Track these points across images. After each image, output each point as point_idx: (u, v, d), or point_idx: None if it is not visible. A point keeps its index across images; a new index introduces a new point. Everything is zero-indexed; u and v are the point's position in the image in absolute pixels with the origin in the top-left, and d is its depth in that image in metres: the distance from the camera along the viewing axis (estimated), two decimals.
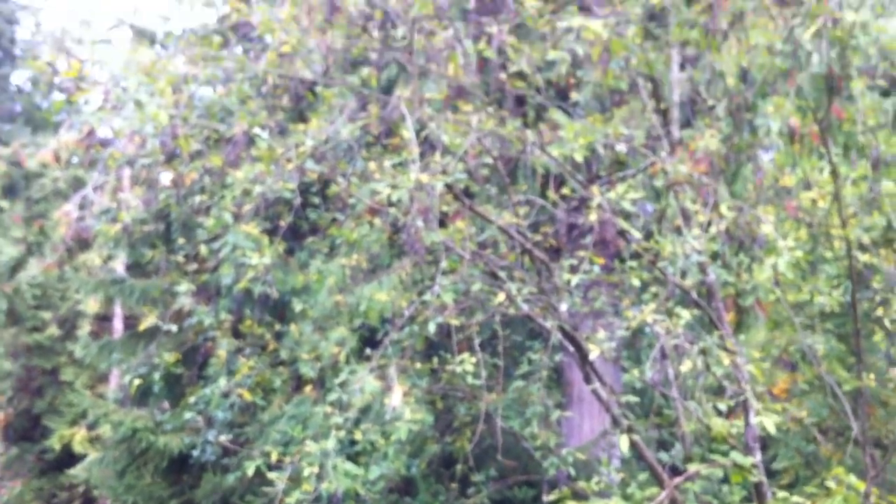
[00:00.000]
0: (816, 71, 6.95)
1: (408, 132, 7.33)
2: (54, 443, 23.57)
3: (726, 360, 7.88)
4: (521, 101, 9.59)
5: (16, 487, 21.45)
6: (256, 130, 7.80)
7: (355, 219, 8.90)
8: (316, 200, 9.15)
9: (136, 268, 14.79)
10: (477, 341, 8.80)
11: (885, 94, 8.49)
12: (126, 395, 14.47)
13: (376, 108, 8.08)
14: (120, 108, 7.56)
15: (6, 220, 24.50)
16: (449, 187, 7.71)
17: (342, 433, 8.33)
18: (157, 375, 11.43)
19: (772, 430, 7.69)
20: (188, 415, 11.05)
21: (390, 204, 7.70)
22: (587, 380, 8.52)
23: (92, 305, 21.62)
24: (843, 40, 6.84)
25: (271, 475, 8.56)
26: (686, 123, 9.66)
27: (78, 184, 20.86)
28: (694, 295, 8.51)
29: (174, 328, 10.75)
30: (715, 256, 8.71)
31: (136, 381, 11.33)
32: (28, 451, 24.31)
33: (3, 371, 22.49)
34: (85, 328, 23.93)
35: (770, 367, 11.17)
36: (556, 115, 8.72)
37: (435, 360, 9.69)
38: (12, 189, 25.65)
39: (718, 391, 8.79)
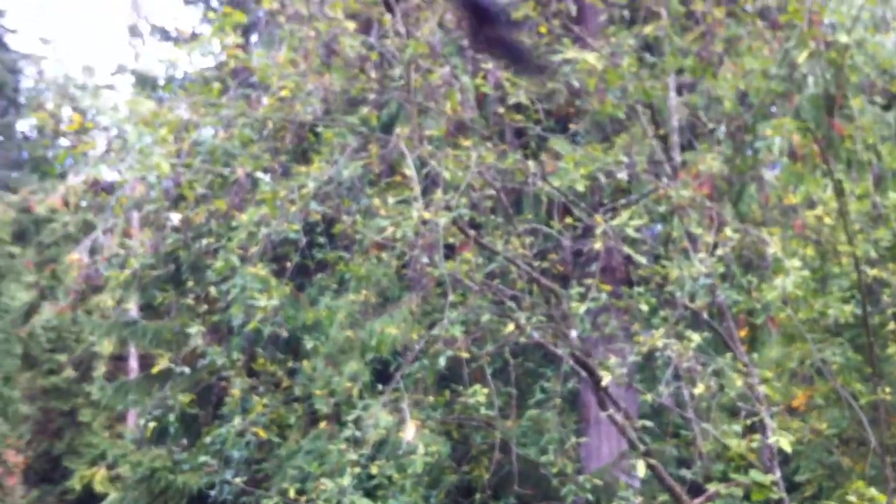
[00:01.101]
0: (813, 92, 6.97)
1: (409, 170, 7.38)
2: (75, 483, 23.66)
3: (739, 382, 7.88)
4: (520, 133, 9.64)
5: None
6: (259, 174, 7.86)
7: (362, 254, 8.93)
8: (321, 239, 9.18)
9: (148, 309, 14.90)
10: (489, 371, 8.82)
11: (886, 108, 8.51)
12: (143, 435, 14.52)
13: (376, 146, 8.13)
14: (123, 156, 7.63)
15: (18, 265, 24.70)
16: (454, 221, 7.75)
17: (358, 469, 8.33)
18: (172, 416, 11.41)
19: (788, 448, 7.68)
20: (204, 457, 11.05)
21: (396, 239, 7.74)
22: (601, 405, 8.52)
23: (106, 347, 21.76)
24: (837, 61, 6.87)
25: None
26: (687, 147, 9.70)
27: (88, 227, 21.03)
28: (705, 316, 8.52)
29: (187, 370, 10.76)
30: (724, 277, 8.71)
31: (152, 424, 11.33)
32: (49, 492, 24.40)
33: (21, 414, 22.62)
34: (100, 369, 24.07)
35: (786, 382, 11.14)
36: (558, 144, 8.77)
37: (447, 391, 9.68)
38: (23, 235, 25.88)
39: (735, 410, 8.78)
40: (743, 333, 9.45)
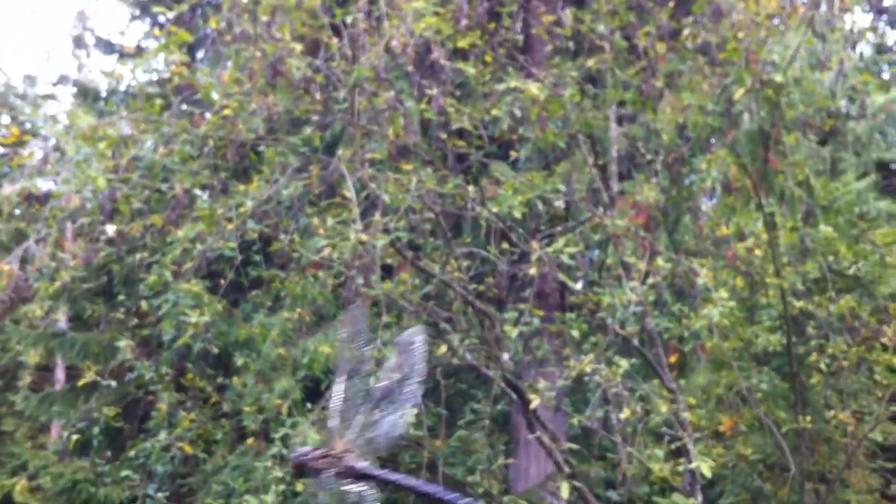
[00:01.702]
0: (749, 128, 7.18)
1: (349, 191, 7.40)
2: None
3: (664, 407, 8.04)
4: (462, 158, 9.73)
5: None
6: (197, 191, 7.81)
7: (299, 273, 8.91)
8: (257, 257, 9.15)
9: (77, 321, 14.60)
10: (420, 392, 8.83)
11: (821, 143, 8.79)
12: (66, 447, 14.23)
13: (318, 167, 8.14)
14: (59, 169, 7.53)
15: None
16: (391, 243, 7.79)
17: (283, 486, 8.30)
18: (96, 429, 11.28)
19: (708, 474, 7.84)
20: (127, 471, 10.90)
21: (333, 259, 7.75)
22: (530, 427, 8.61)
23: (33, 357, 21.17)
24: (773, 98, 7.08)
25: None
26: (625, 177, 9.88)
27: (20, 237, 20.50)
28: (635, 342, 8.67)
29: (113, 383, 10.62)
30: (655, 304, 8.89)
31: (76, 436, 11.15)
32: None
33: None
34: (26, 380, 23.41)
35: (713, 408, 11.35)
36: (499, 170, 8.87)
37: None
38: None
39: (660, 435, 8.94)
40: (673, 359, 9.62)
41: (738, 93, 7.13)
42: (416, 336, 2.34)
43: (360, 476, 2.06)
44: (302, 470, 2.23)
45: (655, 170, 8.73)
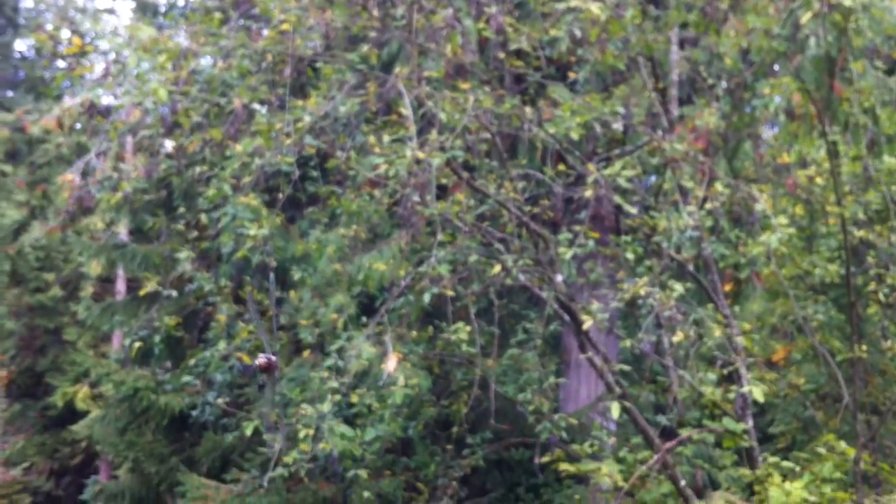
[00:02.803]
0: (815, 53, 6.98)
1: (406, 109, 7.39)
2: (57, 400, 23.82)
3: (718, 332, 8.03)
4: (519, 79, 9.61)
5: (18, 442, 21.76)
6: (256, 105, 7.85)
7: (355, 190, 8.97)
8: (314, 173, 9.19)
9: (138, 233, 14.90)
10: (473, 310, 8.93)
11: (888, 73, 8.53)
12: (127, 356, 14.61)
13: (375, 85, 8.12)
14: (120, 80, 7.60)
15: (10, 184, 24.61)
16: (447, 162, 7.79)
17: (338, 397, 8.46)
18: (157, 338, 11.52)
19: (760, 398, 7.85)
20: (188, 378, 11.17)
21: (389, 177, 7.78)
22: (582, 348, 8.69)
23: (94, 268, 21.72)
24: (841, 24, 6.87)
25: (268, 436, 8.70)
26: (685, 102, 9.71)
27: (81, 150, 20.88)
28: (690, 268, 8.64)
29: (175, 293, 10.82)
30: (712, 231, 8.82)
31: (137, 344, 11.43)
32: (31, 407, 24.59)
33: (6, 330, 22.70)
34: (87, 290, 24.09)
35: (766, 337, 11.32)
36: (556, 92, 8.76)
37: (431, 328, 9.80)
38: (15, 154, 25.72)
39: (712, 360, 8.95)
40: (727, 288, 9.58)
41: (805, 17, 6.91)
42: None
43: None
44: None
45: (717, 95, 8.57)
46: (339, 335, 9.08)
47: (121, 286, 21.98)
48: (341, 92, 7.88)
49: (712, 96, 8.33)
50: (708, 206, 8.21)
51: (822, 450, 8.61)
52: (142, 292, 11.27)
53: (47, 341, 25.76)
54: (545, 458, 9.57)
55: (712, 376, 8.27)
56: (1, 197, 24.08)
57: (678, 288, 7.94)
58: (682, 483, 8.09)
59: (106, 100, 9.18)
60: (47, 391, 24.99)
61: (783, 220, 7.94)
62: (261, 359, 8.87)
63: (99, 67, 8.54)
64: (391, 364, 8.12)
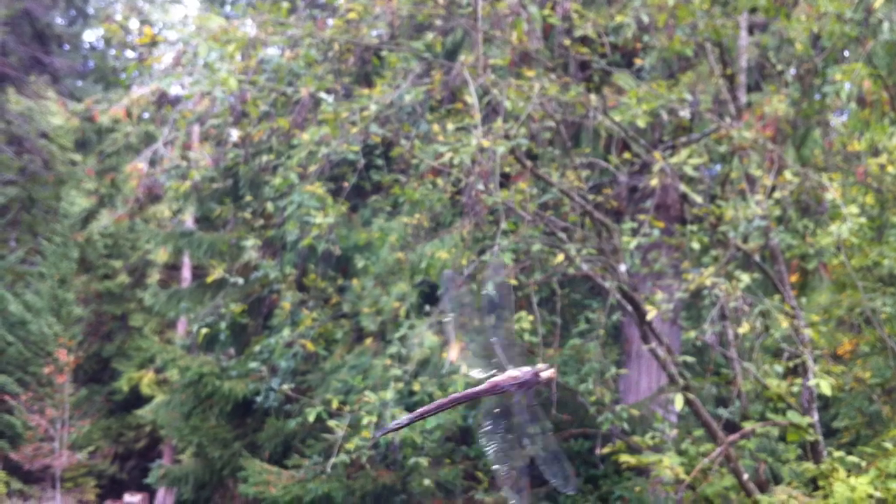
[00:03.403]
0: (888, 38, 6.83)
1: (471, 97, 7.39)
2: (123, 385, 24.34)
3: (785, 323, 7.91)
4: (584, 66, 9.56)
5: (84, 426, 22.24)
6: (322, 94, 7.91)
7: (418, 179, 9.00)
8: (379, 162, 9.24)
9: (204, 221, 15.12)
10: (536, 299, 8.91)
11: None
12: (193, 342, 14.85)
13: (440, 73, 8.13)
14: (190, 70, 7.71)
15: (79, 172, 25.16)
16: (511, 150, 7.78)
17: (401, 385, 8.50)
18: (223, 324, 11.70)
19: (828, 392, 7.70)
20: (253, 364, 11.33)
21: (452, 165, 7.79)
22: (645, 339, 8.61)
23: (161, 255, 22.13)
24: None
25: (331, 423, 8.80)
26: (754, 88, 9.56)
27: (149, 139, 21.29)
28: (756, 258, 8.52)
29: (240, 280, 10.98)
30: (779, 220, 8.68)
31: (204, 330, 11.61)
32: (97, 392, 25.14)
33: (74, 316, 23.20)
34: (154, 277, 24.57)
35: (833, 329, 11.11)
36: (622, 79, 8.69)
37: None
38: (85, 143, 26.29)
39: (777, 353, 8.82)
40: (794, 279, 9.42)
41: (878, 1, 6.76)
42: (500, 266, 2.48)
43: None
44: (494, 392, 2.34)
45: (786, 81, 8.44)
46: (401, 323, 9.13)
47: (187, 273, 22.36)
48: (406, 80, 7.91)
49: (781, 83, 8.20)
50: (776, 195, 8.07)
51: (888, 445, 8.42)
52: (208, 279, 11.43)
53: (114, 327, 26.33)
54: (606, 450, 9.51)
55: (779, 368, 8.14)
56: (70, 185, 24.63)
57: (744, 278, 7.84)
58: (745, 477, 7.99)
59: (174, 90, 9.34)
60: (113, 376, 25.55)
61: (853, 209, 7.78)
62: None
63: (168, 57, 8.68)
64: (453, 353, 8.13)
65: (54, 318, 22.26)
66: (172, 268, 24.48)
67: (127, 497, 24.23)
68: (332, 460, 8.58)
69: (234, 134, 9.59)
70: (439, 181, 8.72)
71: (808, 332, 8.17)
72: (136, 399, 23.76)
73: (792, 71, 8.15)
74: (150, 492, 24.46)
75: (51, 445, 20.81)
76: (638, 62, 9.44)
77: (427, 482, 10.52)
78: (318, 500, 11.31)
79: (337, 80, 8.21)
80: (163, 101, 8.84)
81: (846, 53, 8.45)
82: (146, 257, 24.66)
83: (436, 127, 8.09)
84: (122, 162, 23.12)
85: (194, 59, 7.51)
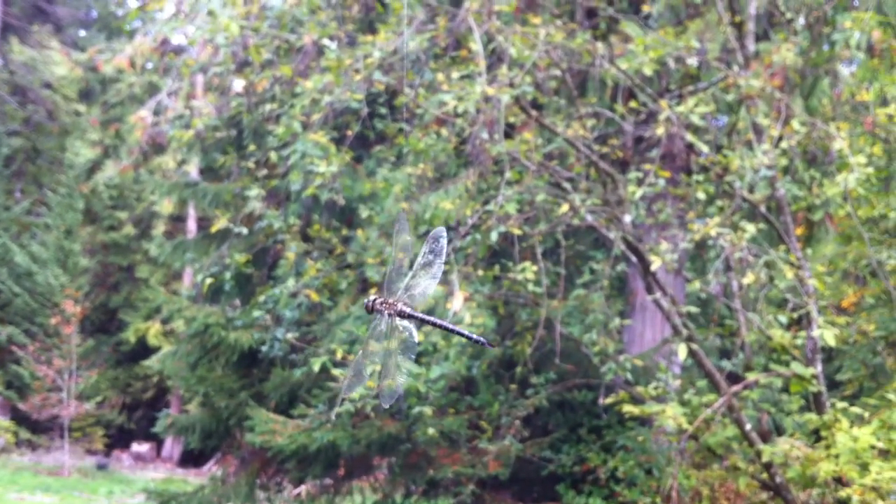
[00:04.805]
0: None
1: (476, 45, 7.31)
2: (129, 335, 24.51)
3: (790, 274, 7.89)
4: (591, 13, 9.44)
5: (92, 377, 22.40)
6: (325, 41, 7.83)
7: (422, 128, 8.94)
8: (383, 111, 9.16)
9: (208, 172, 15.08)
10: (540, 250, 8.90)
11: None
12: (198, 293, 14.88)
13: (444, 20, 8.04)
14: (192, 17, 7.63)
15: (83, 123, 25.10)
16: (516, 99, 7.71)
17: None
18: (228, 275, 11.70)
19: (832, 342, 7.71)
20: (257, 313, 11.34)
21: (457, 115, 7.73)
22: (649, 290, 8.61)
23: (166, 206, 22.16)
24: None
25: (336, 371, 8.82)
26: (762, 37, 9.44)
27: (153, 89, 21.20)
28: (762, 209, 8.48)
29: (245, 231, 10.95)
30: (786, 171, 8.62)
31: (209, 280, 11.61)
32: (104, 342, 25.32)
33: (80, 267, 23.29)
34: (159, 228, 24.64)
35: (838, 281, 11.09)
36: (629, 26, 8.58)
37: (497, 267, 9.80)
38: (89, 93, 26.20)
39: (781, 304, 8.81)
40: (799, 231, 9.39)
41: None
42: (441, 234, 2.92)
43: (405, 315, 2.71)
44: (370, 311, 2.84)
45: (794, 29, 8.33)
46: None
47: (192, 224, 22.43)
48: (410, 27, 7.83)
49: (790, 31, 8.09)
50: (783, 145, 8.01)
51: (891, 396, 8.45)
52: (212, 230, 11.41)
53: (120, 278, 26.45)
54: (609, 400, 9.56)
55: (783, 319, 8.14)
56: (75, 136, 24.59)
57: (750, 229, 7.81)
58: (748, 427, 8.02)
59: (177, 39, 9.25)
60: (120, 327, 25.71)
61: (861, 159, 7.72)
62: None
63: (170, 5, 8.60)
64: (457, 303, 8.15)
65: (60, 269, 22.34)
66: (178, 219, 24.53)
67: (135, 446, 24.54)
68: (337, 409, 8.61)
69: (238, 84, 9.51)
70: (444, 131, 8.66)
71: (812, 283, 8.15)
72: (144, 349, 23.94)
73: (801, 19, 8.02)
74: (158, 441, 24.76)
75: (59, 395, 21.00)
76: (646, 9, 9.33)
77: (431, 431, 10.57)
78: (324, 449, 11.39)
79: (340, 28, 8.13)
80: (166, 49, 8.75)
81: (856, 2, 8.33)
82: (151, 208, 24.69)
83: (440, 75, 8.02)
84: (127, 112, 23.04)
85: (196, 5, 7.44)
